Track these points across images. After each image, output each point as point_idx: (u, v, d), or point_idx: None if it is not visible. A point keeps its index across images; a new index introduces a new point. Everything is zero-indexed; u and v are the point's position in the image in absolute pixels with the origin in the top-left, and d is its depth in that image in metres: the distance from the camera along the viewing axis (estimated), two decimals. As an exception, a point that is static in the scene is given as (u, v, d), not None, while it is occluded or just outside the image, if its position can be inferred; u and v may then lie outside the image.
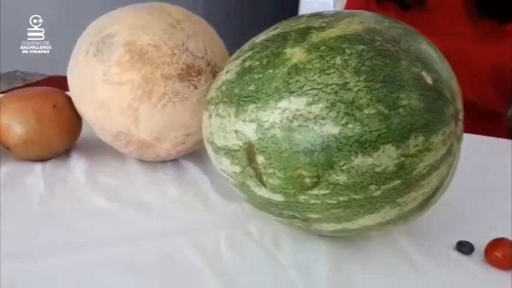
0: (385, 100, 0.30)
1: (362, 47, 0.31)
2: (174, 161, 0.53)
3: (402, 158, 0.30)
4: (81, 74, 0.44)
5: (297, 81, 0.31)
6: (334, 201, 0.32)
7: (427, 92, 0.31)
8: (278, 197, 0.33)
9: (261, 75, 0.33)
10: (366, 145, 0.29)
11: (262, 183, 0.33)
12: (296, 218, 0.35)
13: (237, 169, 0.34)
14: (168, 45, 0.42)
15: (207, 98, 0.39)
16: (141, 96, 0.42)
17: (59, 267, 0.34)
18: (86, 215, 0.42)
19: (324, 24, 0.33)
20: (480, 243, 0.38)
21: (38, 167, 0.49)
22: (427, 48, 0.34)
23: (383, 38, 0.32)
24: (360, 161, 0.30)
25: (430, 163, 0.31)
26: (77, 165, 0.51)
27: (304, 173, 0.31)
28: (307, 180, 0.31)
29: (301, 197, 0.32)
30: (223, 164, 0.36)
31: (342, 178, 0.30)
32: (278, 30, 0.35)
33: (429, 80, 0.31)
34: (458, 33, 0.76)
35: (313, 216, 0.33)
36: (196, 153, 0.54)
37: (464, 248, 0.38)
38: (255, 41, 0.36)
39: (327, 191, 0.31)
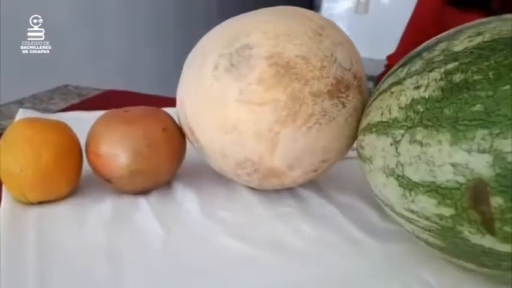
0: None
1: None
2: (289, 189, 0.46)
3: None
4: (207, 92, 0.37)
5: (557, 100, 0.24)
6: None
7: None
8: (509, 248, 0.26)
9: (491, 93, 0.25)
10: None
11: (491, 231, 0.26)
12: (521, 271, 0.27)
13: (448, 211, 0.27)
14: (317, 57, 0.35)
15: (380, 120, 0.32)
16: (284, 118, 0.35)
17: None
18: (221, 260, 0.35)
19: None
20: None
21: (143, 201, 0.42)
22: None
23: None
24: None
25: None
26: (185, 197, 0.43)
27: None
28: None
29: (552, 250, 0.25)
30: (419, 204, 0.29)
31: None
32: (488, 36, 0.28)
33: None
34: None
35: (556, 271, 0.26)
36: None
37: None
38: (453, 50, 0.29)
39: None
